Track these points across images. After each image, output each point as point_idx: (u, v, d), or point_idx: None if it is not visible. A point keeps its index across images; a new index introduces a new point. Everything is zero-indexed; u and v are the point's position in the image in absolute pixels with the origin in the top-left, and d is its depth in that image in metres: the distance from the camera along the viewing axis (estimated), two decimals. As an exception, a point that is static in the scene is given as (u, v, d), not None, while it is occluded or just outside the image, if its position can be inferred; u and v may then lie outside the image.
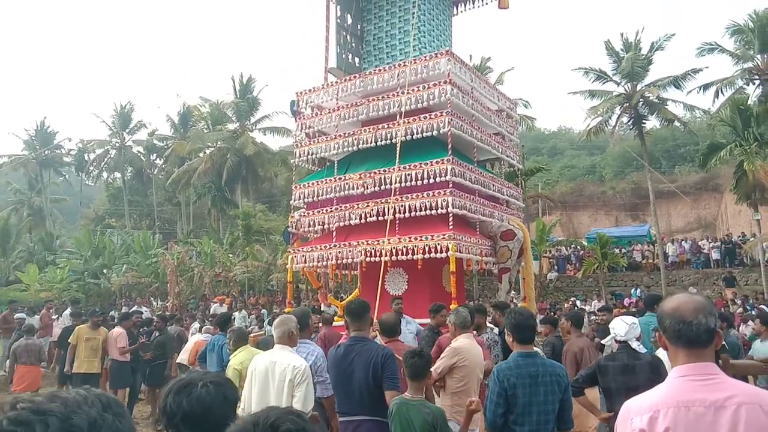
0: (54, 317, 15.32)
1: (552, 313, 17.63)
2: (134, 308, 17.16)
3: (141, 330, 10.33)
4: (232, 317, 11.20)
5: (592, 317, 14.49)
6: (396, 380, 3.99)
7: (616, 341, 4.64)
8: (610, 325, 4.91)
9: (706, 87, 25.00)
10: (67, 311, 15.32)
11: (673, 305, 1.95)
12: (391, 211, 8.61)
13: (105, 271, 28.45)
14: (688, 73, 24.20)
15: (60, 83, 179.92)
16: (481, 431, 6.23)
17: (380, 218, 8.96)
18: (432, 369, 4.38)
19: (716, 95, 24.96)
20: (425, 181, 8.70)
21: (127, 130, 47.31)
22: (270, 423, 1.27)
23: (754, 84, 24.82)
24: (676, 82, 24.31)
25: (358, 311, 4.44)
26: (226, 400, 1.68)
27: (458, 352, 5.04)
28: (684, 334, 1.87)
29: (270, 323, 13.09)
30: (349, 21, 10.49)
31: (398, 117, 9.04)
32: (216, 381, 1.72)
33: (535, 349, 3.93)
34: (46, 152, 47.96)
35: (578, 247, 29.90)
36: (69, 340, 8.91)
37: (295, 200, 10.24)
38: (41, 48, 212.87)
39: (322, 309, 13.58)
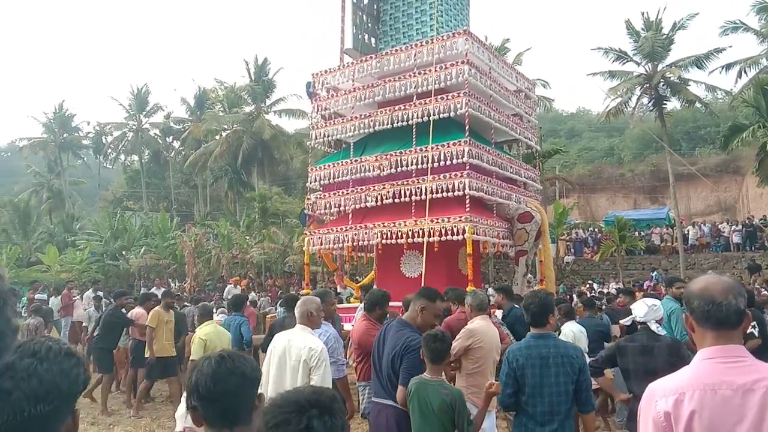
0: (75, 297, 15.56)
1: (569, 296, 17.56)
2: (152, 290, 17.36)
3: None
4: (247, 299, 11.28)
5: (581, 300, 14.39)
6: (411, 377, 3.77)
7: (635, 322, 4.61)
8: (631, 307, 4.88)
9: (728, 67, 24.45)
10: (89, 292, 15.55)
11: (702, 286, 1.89)
12: (406, 193, 8.57)
13: (124, 252, 28.82)
14: (710, 53, 23.66)
15: (77, 66, 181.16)
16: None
17: (396, 200, 8.93)
18: None
19: (739, 75, 24.42)
20: (442, 163, 8.62)
21: (144, 113, 47.61)
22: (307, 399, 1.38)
23: (779, 63, 24.25)
24: (698, 61, 23.79)
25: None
26: (245, 377, 1.70)
27: (474, 333, 5.04)
28: (713, 315, 1.82)
29: (282, 305, 13.16)
30: (366, 1, 10.37)
31: (415, 98, 8.95)
32: (232, 356, 1.76)
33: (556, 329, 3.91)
34: (64, 135, 48.47)
35: (596, 229, 29.66)
36: (148, 323, 8.47)
37: (311, 182, 10.23)
38: (59, 31, 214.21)
39: (338, 291, 13.65)
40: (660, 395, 1.83)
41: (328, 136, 10.18)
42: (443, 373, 3.85)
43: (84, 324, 12.82)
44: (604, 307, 10.21)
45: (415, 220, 8.61)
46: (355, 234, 9.36)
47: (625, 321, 5.11)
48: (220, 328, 6.72)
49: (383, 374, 3.99)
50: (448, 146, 8.64)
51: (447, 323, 5.92)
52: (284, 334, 4.46)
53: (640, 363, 4.32)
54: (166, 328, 8.58)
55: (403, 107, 9.11)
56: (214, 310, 10.96)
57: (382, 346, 4.06)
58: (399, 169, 8.98)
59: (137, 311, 9.35)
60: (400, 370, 3.82)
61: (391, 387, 3.89)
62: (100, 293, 15.77)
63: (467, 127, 8.64)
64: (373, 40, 10.49)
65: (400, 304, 5.38)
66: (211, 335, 6.24)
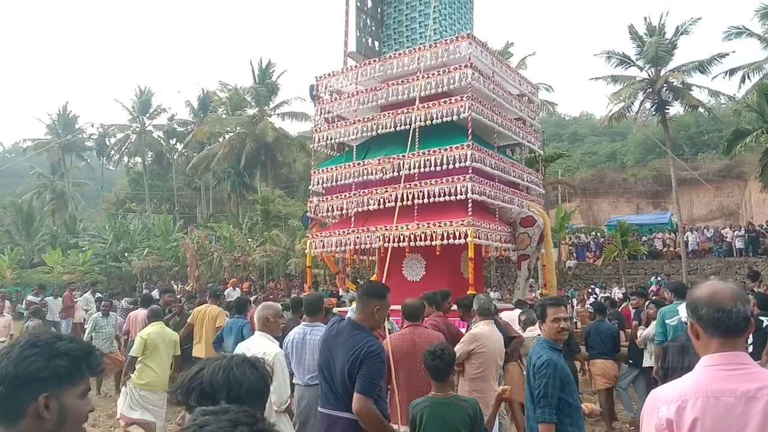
0: (77, 299, 15.58)
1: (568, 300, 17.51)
2: (154, 292, 17.34)
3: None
4: (249, 302, 11.26)
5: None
6: (370, 385, 3.36)
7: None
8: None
9: (732, 72, 24.44)
10: (87, 294, 15.56)
11: (709, 292, 1.87)
12: (408, 196, 8.57)
13: (126, 254, 28.85)
14: (714, 58, 23.66)
15: (81, 68, 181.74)
16: (517, 419, 6.23)
17: (398, 204, 8.92)
18: None
19: (742, 80, 24.43)
20: (444, 167, 8.61)
21: (147, 115, 47.69)
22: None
23: (783, 69, 24.22)
24: (702, 66, 23.79)
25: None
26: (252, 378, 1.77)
27: (477, 338, 5.05)
28: (723, 323, 1.80)
29: (287, 308, 13.14)
30: (369, 4, 10.38)
31: (417, 101, 8.95)
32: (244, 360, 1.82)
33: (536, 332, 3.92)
34: (68, 137, 48.59)
35: (598, 234, 29.63)
36: (189, 321, 8.70)
37: (313, 185, 10.22)
38: (63, 33, 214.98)
39: (340, 294, 13.64)
40: (663, 402, 1.81)
41: (331, 139, 10.18)
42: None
43: (86, 326, 12.83)
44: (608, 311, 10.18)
45: (417, 224, 8.59)
46: (358, 237, 9.35)
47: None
48: (166, 329, 6.94)
49: (337, 382, 3.55)
50: (451, 150, 8.64)
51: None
52: (246, 342, 4.63)
53: (677, 361, 4.37)
54: (208, 327, 8.56)
55: (405, 111, 9.11)
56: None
57: (333, 350, 3.60)
58: (402, 173, 8.97)
59: (140, 313, 9.32)
60: (357, 375, 3.38)
61: (348, 398, 3.45)
62: (99, 295, 15.81)
63: (470, 131, 8.63)
64: (376, 43, 10.50)
65: (399, 308, 5.32)
66: (152, 335, 6.55)
